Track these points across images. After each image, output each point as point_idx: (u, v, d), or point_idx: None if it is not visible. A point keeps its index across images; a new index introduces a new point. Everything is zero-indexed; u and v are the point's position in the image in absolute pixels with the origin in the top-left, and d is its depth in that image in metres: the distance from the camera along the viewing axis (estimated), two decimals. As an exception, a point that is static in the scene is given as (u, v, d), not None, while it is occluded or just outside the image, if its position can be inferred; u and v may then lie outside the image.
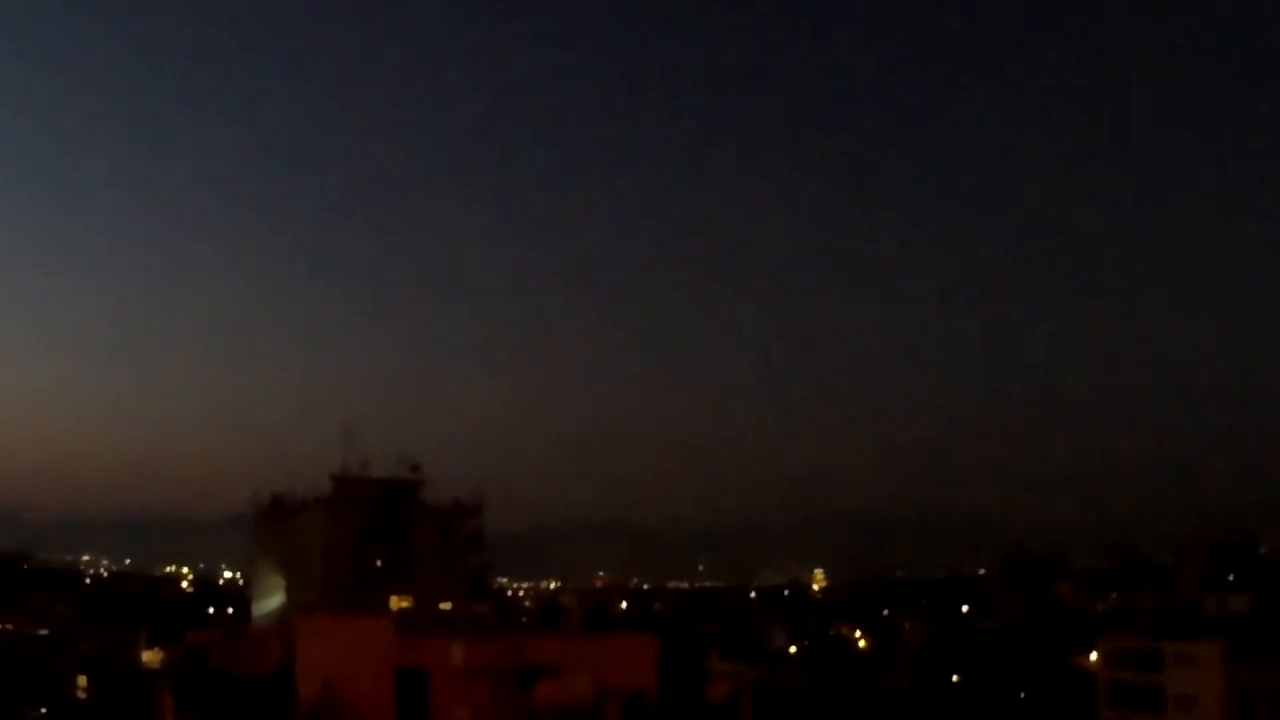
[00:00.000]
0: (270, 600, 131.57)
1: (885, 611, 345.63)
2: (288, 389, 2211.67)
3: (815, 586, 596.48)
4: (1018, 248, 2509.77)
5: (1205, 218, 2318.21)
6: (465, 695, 53.97)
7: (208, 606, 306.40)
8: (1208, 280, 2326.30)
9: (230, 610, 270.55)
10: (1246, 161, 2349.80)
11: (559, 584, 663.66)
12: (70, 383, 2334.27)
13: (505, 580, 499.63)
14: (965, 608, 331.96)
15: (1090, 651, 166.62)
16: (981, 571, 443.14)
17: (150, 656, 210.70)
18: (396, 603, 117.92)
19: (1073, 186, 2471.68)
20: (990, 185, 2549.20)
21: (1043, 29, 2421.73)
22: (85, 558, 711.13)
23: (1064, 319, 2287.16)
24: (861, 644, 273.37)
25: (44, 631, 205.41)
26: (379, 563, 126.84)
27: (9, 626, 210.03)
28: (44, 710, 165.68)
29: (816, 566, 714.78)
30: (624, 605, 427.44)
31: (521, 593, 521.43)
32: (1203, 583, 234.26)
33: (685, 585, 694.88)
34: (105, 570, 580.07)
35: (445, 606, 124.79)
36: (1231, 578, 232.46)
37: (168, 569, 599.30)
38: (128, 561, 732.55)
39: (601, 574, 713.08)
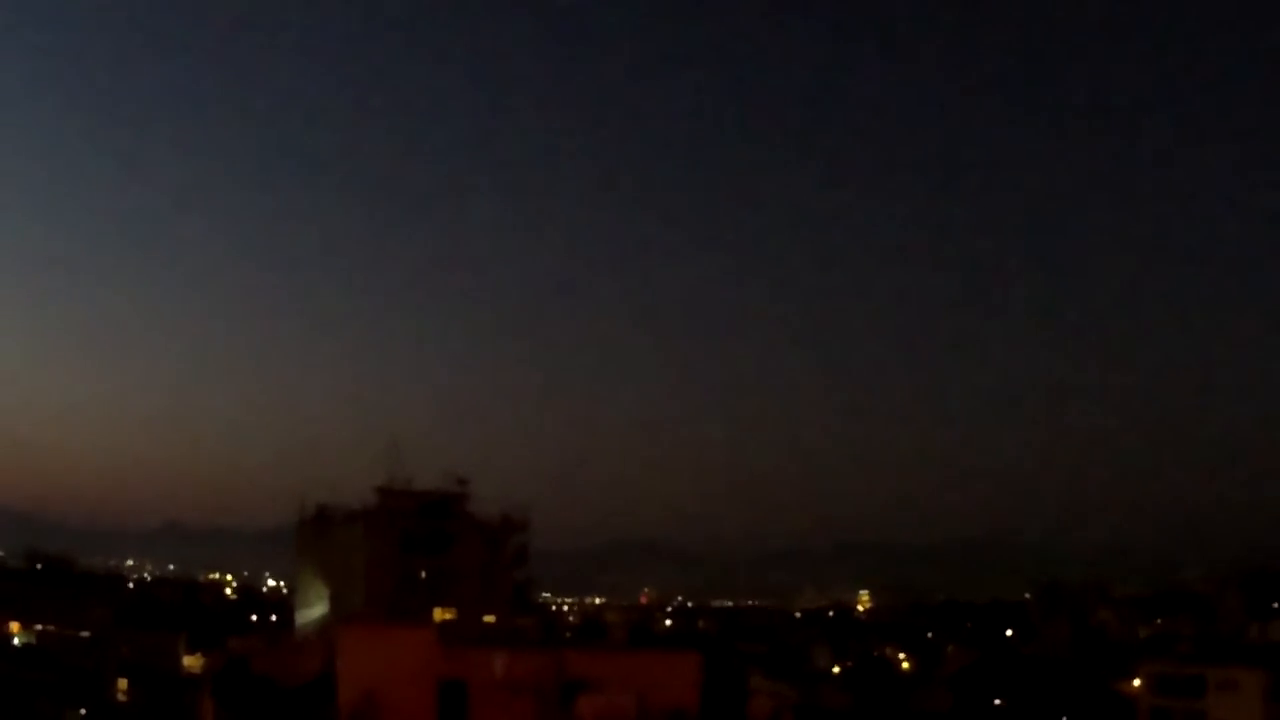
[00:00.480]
0: (313, 609, 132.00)
1: (929, 634, 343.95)
2: (335, 403, 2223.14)
3: (859, 608, 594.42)
4: (1069, 289, 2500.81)
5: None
6: (506, 708, 54.30)
7: (250, 614, 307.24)
8: (1252, 307, 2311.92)
9: (273, 618, 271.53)
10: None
11: (603, 600, 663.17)
12: (121, 392, 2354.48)
13: (549, 595, 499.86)
14: (1009, 632, 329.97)
15: (1132, 678, 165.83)
16: (1026, 596, 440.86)
17: (191, 661, 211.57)
18: (439, 615, 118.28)
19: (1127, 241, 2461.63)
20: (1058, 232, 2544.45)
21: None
22: (129, 563, 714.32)
23: (1111, 352, 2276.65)
24: (904, 666, 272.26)
25: (85, 634, 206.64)
26: (422, 574, 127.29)
27: (50, 628, 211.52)
28: (84, 711, 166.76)
29: (861, 588, 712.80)
30: (668, 623, 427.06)
31: (565, 608, 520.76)
32: (1245, 611, 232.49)
33: (729, 604, 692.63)
34: (148, 575, 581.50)
35: (488, 619, 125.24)
36: (1276, 606, 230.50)
37: (211, 576, 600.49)
38: (171, 567, 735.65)
39: (646, 591, 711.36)
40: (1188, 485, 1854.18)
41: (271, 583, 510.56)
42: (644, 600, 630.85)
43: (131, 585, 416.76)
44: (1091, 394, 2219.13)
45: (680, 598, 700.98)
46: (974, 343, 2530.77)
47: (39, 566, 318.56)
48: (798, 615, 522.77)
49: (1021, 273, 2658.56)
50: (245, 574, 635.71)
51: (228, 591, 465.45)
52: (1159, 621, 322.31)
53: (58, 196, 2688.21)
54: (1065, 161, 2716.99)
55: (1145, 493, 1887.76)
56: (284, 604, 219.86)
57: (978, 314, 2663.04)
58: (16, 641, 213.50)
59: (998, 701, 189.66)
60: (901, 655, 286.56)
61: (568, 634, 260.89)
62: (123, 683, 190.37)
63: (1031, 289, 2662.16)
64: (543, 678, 54.95)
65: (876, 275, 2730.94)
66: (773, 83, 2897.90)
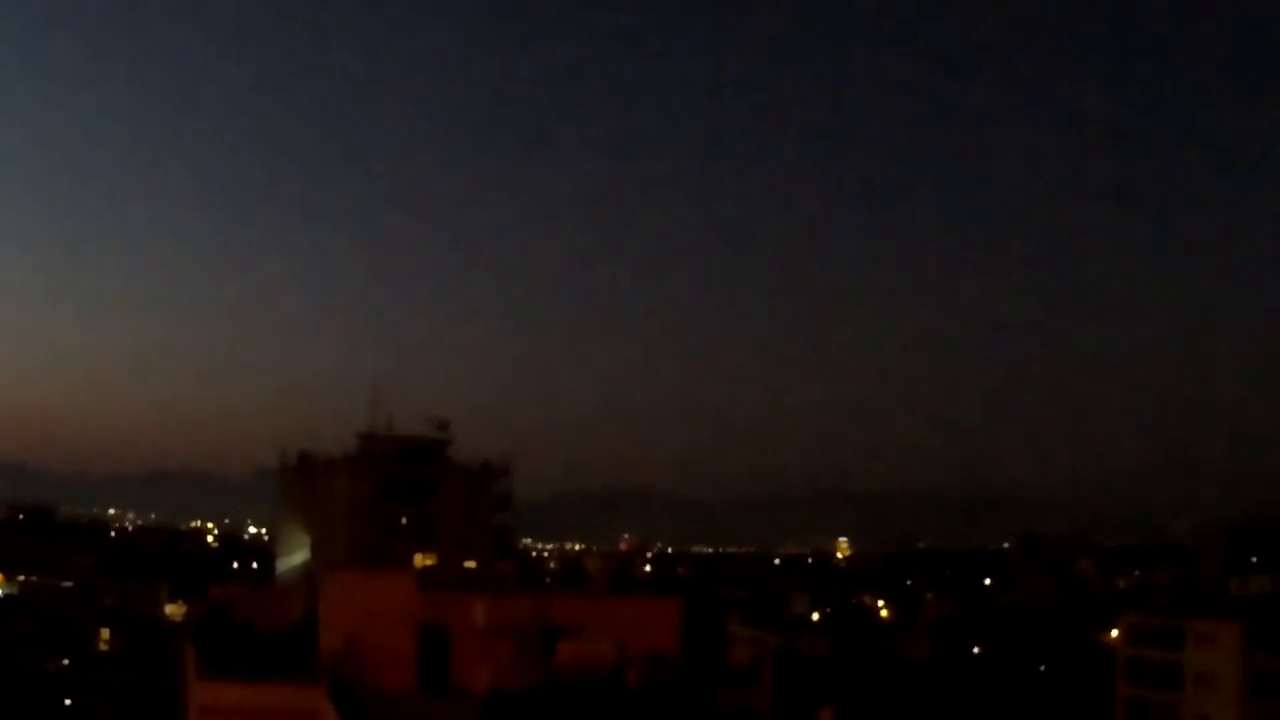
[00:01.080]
0: (295, 556, 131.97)
1: (908, 582, 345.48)
2: (317, 349, 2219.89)
3: (839, 555, 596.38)
4: (1044, 233, 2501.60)
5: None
6: (487, 653, 54.16)
7: (232, 561, 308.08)
8: (1243, 271, 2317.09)
9: (255, 565, 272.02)
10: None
11: (583, 546, 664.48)
12: (100, 341, 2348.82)
13: (530, 541, 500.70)
14: (988, 581, 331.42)
15: (1111, 628, 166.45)
16: (1005, 545, 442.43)
17: (173, 610, 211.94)
18: (421, 560, 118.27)
19: (1098, 182, 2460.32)
20: (1006, 176, 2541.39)
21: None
22: (111, 511, 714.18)
23: (1097, 301, 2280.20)
24: (884, 613, 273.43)
25: (67, 584, 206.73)
26: (404, 520, 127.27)
27: (33, 579, 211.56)
28: (66, 661, 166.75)
29: (841, 536, 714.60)
30: (647, 569, 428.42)
31: (546, 554, 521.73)
32: (1225, 564, 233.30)
33: (709, 551, 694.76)
34: (130, 524, 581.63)
35: (469, 565, 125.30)
36: (1255, 560, 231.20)
37: (193, 524, 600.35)
38: (153, 516, 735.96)
39: (626, 537, 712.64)
40: (1174, 438, 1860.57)
41: (253, 530, 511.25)
42: (624, 546, 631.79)
43: (114, 534, 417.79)
44: (1079, 346, 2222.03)
45: (660, 544, 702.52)
46: (957, 293, 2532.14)
47: (20, 517, 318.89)
48: (777, 562, 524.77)
49: (1010, 225, 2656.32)
50: (227, 522, 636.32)
51: (209, 539, 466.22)
52: (1138, 573, 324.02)
53: (38, 144, 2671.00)
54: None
55: (1130, 444, 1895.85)
56: (266, 551, 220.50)
57: (965, 264, 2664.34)
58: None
59: (976, 650, 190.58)
60: (881, 603, 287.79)
61: (548, 580, 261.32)
62: (105, 632, 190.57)
63: (1020, 239, 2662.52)
64: (523, 623, 54.83)
65: (859, 225, 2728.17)
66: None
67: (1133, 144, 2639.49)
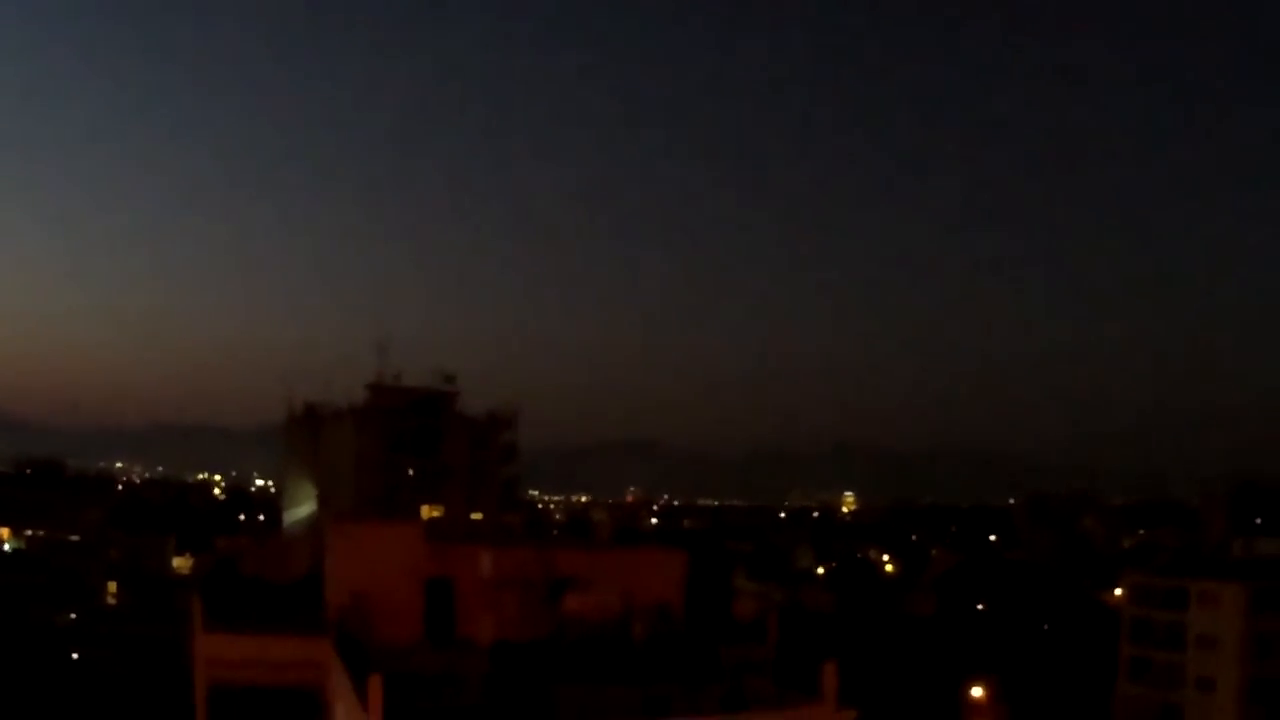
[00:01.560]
0: (301, 508, 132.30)
1: (913, 537, 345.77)
2: (325, 301, 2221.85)
3: (844, 509, 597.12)
4: (1055, 192, 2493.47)
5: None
6: (493, 604, 54.34)
7: (239, 514, 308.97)
8: (1246, 218, 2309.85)
9: (261, 518, 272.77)
10: None
11: (589, 498, 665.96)
12: (109, 294, 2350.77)
13: (536, 493, 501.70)
14: (992, 538, 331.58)
15: (1115, 587, 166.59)
16: (1010, 502, 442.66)
17: (180, 562, 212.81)
18: (427, 511, 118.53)
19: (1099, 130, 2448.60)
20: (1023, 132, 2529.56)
21: None
22: (118, 465, 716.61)
23: (1100, 260, 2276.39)
24: (889, 568, 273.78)
25: (75, 538, 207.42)
26: (410, 472, 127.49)
27: (41, 533, 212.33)
28: (74, 615, 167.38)
29: (847, 490, 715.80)
30: (653, 521, 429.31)
31: (552, 506, 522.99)
32: (1228, 525, 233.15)
33: (715, 504, 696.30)
34: (138, 477, 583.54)
35: (476, 516, 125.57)
36: (1259, 521, 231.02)
37: (200, 476, 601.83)
38: (160, 469, 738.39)
39: (632, 489, 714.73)
40: (1181, 398, 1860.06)
41: (260, 482, 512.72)
42: (630, 499, 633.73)
43: (121, 488, 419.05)
44: (1089, 305, 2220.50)
45: (666, 496, 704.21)
46: (968, 252, 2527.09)
47: (28, 472, 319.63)
48: (783, 516, 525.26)
49: (1022, 190, 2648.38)
50: (234, 474, 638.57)
51: (216, 492, 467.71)
52: (1142, 532, 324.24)
53: (39, 99, 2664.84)
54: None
55: (1137, 404, 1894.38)
56: (272, 503, 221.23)
57: (975, 224, 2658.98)
58: (6, 547, 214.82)
59: (980, 606, 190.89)
60: (885, 557, 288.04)
61: (554, 531, 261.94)
62: (112, 585, 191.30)
63: (1029, 202, 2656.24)
64: (529, 574, 55.01)
65: (871, 181, 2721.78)
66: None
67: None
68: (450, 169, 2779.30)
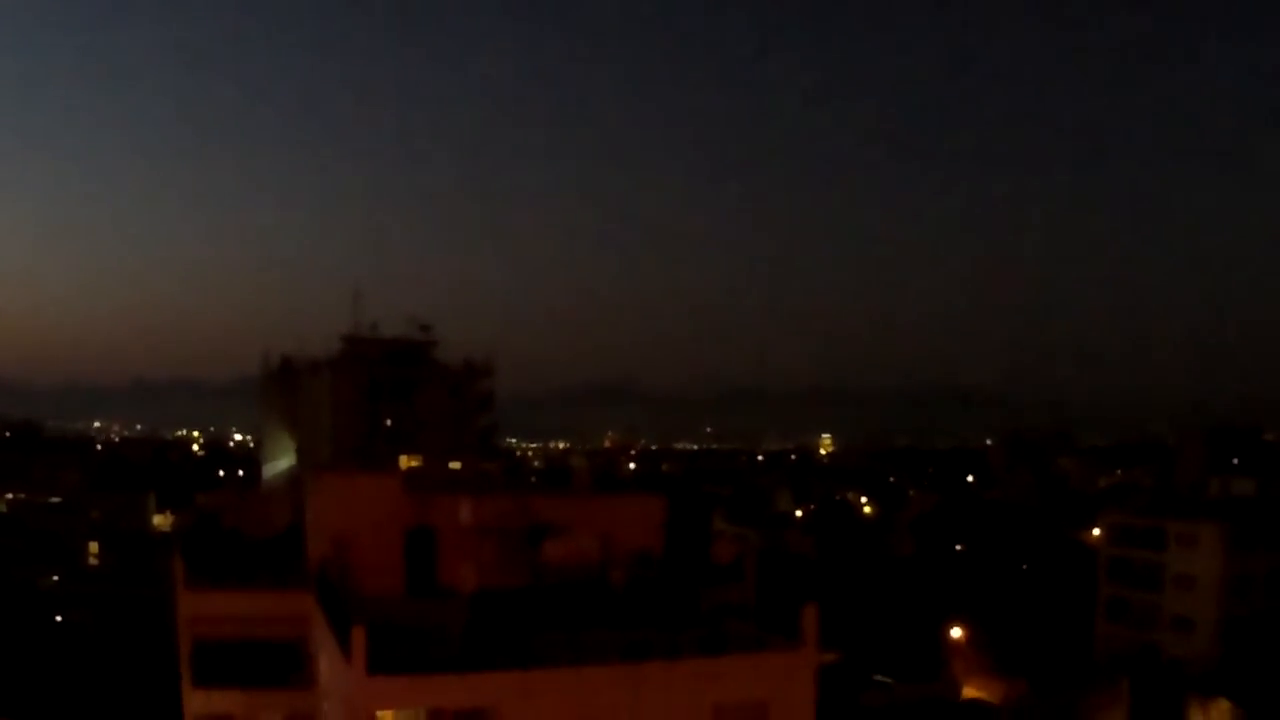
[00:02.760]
0: (280, 461, 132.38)
1: (891, 479, 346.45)
2: (298, 253, 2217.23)
3: (822, 451, 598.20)
4: (1023, 129, 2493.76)
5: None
6: (473, 552, 54.68)
7: (218, 469, 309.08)
8: (1230, 162, 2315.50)
9: (240, 472, 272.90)
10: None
11: (567, 445, 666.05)
12: (80, 250, 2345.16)
13: (514, 441, 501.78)
14: (970, 478, 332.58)
15: (1093, 527, 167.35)
16: (988, 443, 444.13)
17: (161, 520, 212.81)
18: (406, 462, 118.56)
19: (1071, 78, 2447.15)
20: (988, 74, 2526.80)
21: None
22: (96, 424, 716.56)
23: (1075, 198, 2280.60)
24: (867, 510, 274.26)
25: (55, 499, 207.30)
26: (388, 422, 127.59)
27: (20, 496, 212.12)
28: (56, 577, 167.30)
29: (824, 432, 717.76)
30: (632, 466, 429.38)
31: (530, 453, 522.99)
32: (1204, 465, 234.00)
33: (693, 447, 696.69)
34: (116, 436, 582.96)
35: (454, 466, 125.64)
36: (1235, 462, 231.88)
37: (178, 433, 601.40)
38: (139, 427, 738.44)
39: (610, 435, 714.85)
40: (1158, 337, 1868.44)
41: (238, 437, 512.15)
42: (608, 444, 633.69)
43: (100, 447, 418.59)
44: (1067, 243, 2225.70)
45: (644, 441, 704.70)
46: (948, 191, 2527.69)
47: (7, 434, 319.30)
48: (760, 458, 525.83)
49: (989, 133, 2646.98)
50: (212, 429, 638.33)
51: (195, 448, 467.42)
52: (1119, 472, 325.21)
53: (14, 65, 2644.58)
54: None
55: (1113, 344, 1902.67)
56: (251, 457, 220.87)
57: (955, 163, 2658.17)
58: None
59: (959, 547, 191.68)
60: (864, 499, 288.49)
61: (533, 479, 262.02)
62: (94, 546, 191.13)
63: (999, 143, 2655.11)
64: (509, 522, 55.32)
65: (836, 130, 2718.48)
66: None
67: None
68: (424, 115, 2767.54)
